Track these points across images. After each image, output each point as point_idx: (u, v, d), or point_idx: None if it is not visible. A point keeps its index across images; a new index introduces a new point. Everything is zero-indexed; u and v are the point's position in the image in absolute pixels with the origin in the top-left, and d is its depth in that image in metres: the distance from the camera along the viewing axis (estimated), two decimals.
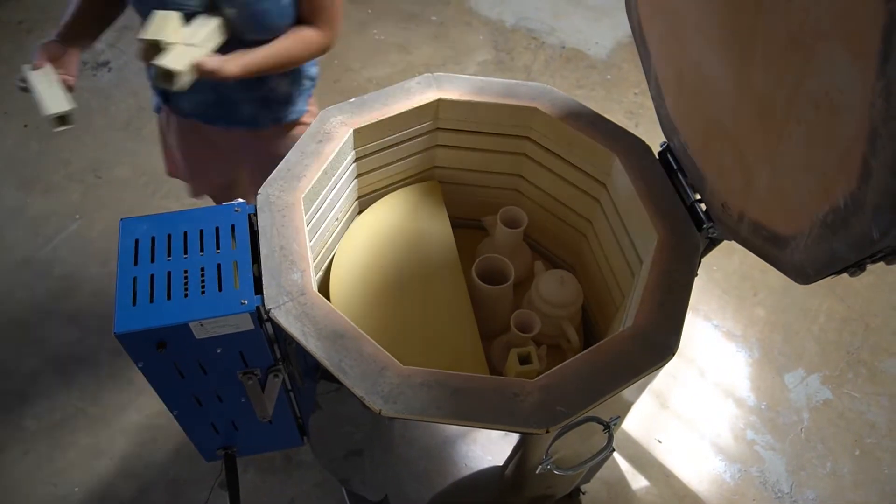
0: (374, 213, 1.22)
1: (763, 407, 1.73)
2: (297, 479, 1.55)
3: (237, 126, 1.28)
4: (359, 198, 1.22)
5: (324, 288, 1.16)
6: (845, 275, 0.70)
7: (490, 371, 1.09)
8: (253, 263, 0.94)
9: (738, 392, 1.76)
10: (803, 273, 0.75)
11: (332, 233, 1.16)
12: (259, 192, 0.99)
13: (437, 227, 1.21)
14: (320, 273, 1.16)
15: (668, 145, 1.06)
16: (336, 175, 1.07)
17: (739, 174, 0.84)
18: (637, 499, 1.58)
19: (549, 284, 1.14)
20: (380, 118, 1.09)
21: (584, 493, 1.55)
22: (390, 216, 1.22)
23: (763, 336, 1.86)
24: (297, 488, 1.54)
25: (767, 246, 0.82)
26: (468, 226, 1.36)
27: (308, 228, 1.04)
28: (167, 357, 0.92)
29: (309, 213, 1.02)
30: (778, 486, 1.60)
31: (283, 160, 1.02)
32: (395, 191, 1.26)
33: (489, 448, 1.10)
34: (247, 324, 0.90)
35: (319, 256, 1.13)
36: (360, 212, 1.25)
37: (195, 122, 1.29)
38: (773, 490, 1.60)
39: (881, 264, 0.66)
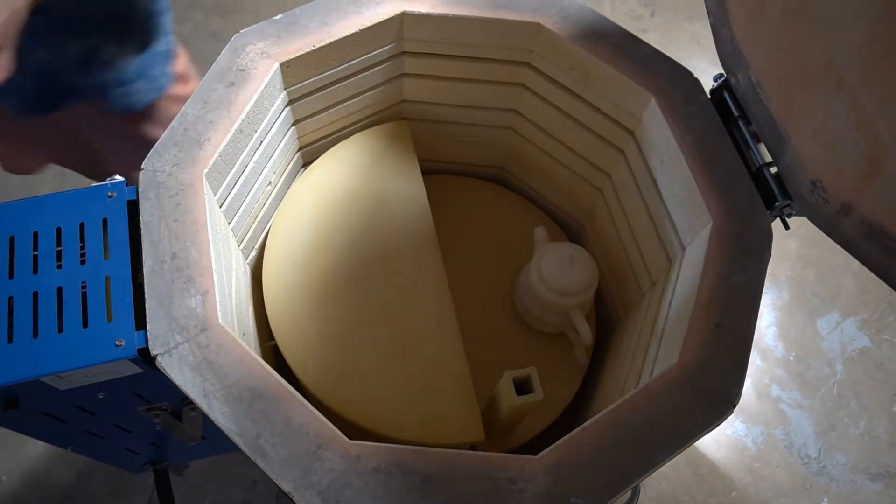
0: (322, 169, 0.92)
1: (792, 358, 1.52)
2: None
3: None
4: (300, 149, 0.91)
5: (257, 272, 0.88)
6: None
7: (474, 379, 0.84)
8: (136, 274, 0.66)
9: (764, 341, 1.54)
10: None
11: (265, 203, 0.86)
12: (143, 166, 0.69)
13: (406, 185, 0.91)
14: (252, 253, 0.88)
15: (726, 80, 0.75)
16: (259, 131, 0.76)
17: (854, 146, 0.55)
18: None
19: (553, 265, 0.87)
20: (317, 45, 0.77)
21: None
22: (342, 172, 0.92)
23: (794, 273, 1.62)
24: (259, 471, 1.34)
25: (890, 261, 0.55)
26: (445, 170, 1.06)
27: (223, 209, 0.75)
28: (27, 412, 0.66)
29: (221, 191, 0.73)
30: (805, 449, 1.42)
31: (179, 115, 0.71)
32: (351, 136, 0.95)
33: None
34: (130, 369, 0.63)
35: (248, 235, 0.85)
36: (306, 165, 0.95)
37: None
38: (800, 454, 1.42)
39: None
